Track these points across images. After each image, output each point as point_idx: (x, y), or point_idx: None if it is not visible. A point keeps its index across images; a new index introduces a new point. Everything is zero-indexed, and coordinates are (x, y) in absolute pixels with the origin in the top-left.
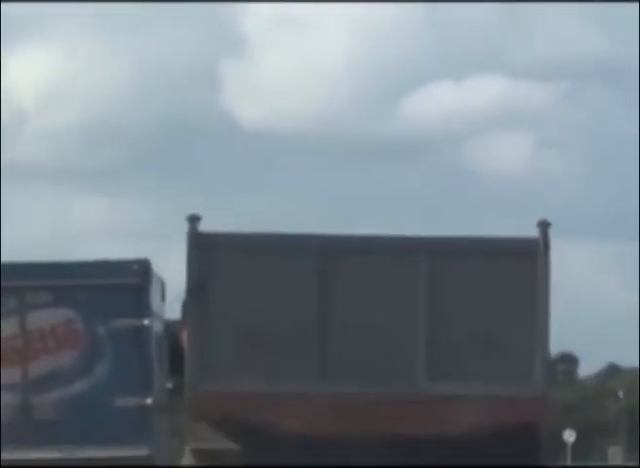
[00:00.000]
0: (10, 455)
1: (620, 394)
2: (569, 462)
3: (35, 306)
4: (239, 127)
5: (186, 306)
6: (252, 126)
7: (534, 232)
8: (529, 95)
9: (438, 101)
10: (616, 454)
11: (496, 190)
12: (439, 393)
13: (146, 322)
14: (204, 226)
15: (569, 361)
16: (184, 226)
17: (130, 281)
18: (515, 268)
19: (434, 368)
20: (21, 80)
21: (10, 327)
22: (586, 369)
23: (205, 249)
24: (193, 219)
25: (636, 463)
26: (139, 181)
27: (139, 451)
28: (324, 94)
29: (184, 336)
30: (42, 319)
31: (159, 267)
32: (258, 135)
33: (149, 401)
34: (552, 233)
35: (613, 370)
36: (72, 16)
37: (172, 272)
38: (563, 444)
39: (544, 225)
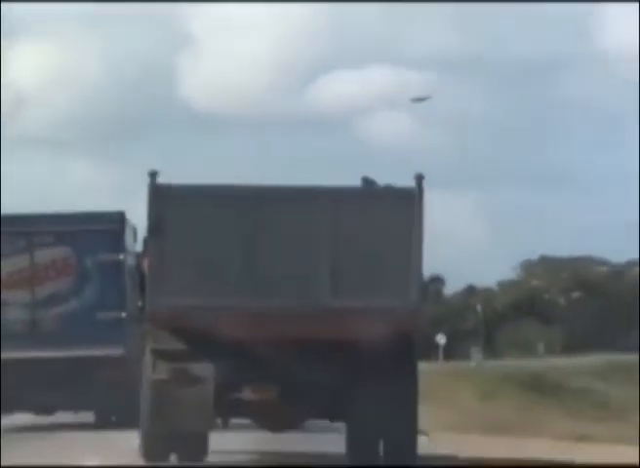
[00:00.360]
0: (20, 355)
1: (479, 308)
2: (441, 358)
3: (41, 246)
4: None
5: (146, 242)
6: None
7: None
8: (410, 81)
9: (341, 86)
10: (476, 352)
11: (384, 155)
12: (339, 306)
13: (121, 257)
14: (161, 180)
15: (438, 282)
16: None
17: (110, 227)
18: (397, 209)
19: (336, 287)
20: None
21: (22, 261)
22: (451, 288)
23: (160, 197)
24: (153, 175)
25: (487, 358)
26: (122, 150)
27: (116, 351)
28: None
29: (145, 264)
30: (46, 255)
31: (132, 216)
32: (206, 114)
33: (124, 314)
34: (427, 185)
35: (471, 290)
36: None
37: (142, 219)
38: (436, 345)
39: (419, 178)
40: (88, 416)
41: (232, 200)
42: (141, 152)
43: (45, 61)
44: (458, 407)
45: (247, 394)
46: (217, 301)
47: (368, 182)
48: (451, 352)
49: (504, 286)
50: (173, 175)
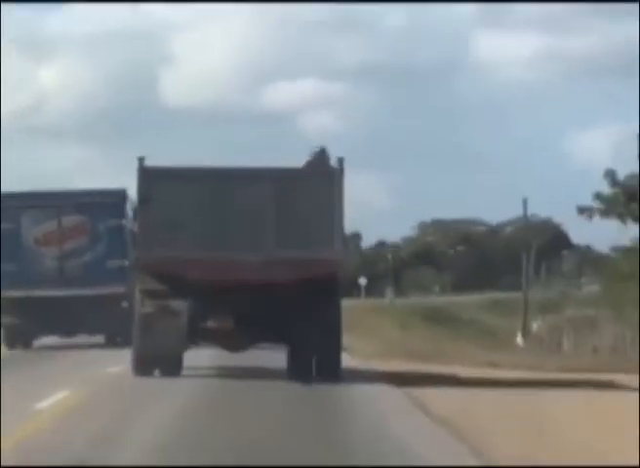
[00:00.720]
0: (51, 293)
1: (389, 257)
2: (363, 296)
3: (65, 214)
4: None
5: (137, 211)
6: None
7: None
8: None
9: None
10: (389, 292)
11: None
12: (281, 257)
13: (123, 222)
14: (147, 163)
15: (357, 237)
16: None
17: (115, 200)
18: (324, 183)
19: (278, 242)
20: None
21: (52, 225)
22: (367, 243)
23: (146, 176)
24: (141, 159)
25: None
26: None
27: (120, 289)
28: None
29: (137, 227)
30: (69, 221)
31: (132, 192)
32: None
33: (126, 263)
34: (351, 165)
35: (381, 244)
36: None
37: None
38: (359, 286)
39: (340, 160)
40: (99, 338)
41: (201, 178)
42: (132, 142)
43: (60, 70)
44: (381, 336)
45: (211, 324)
46: (189, 254)
47: (322, 151)
48: (369, 291)
49: (407, 241)
50: (155, 160)
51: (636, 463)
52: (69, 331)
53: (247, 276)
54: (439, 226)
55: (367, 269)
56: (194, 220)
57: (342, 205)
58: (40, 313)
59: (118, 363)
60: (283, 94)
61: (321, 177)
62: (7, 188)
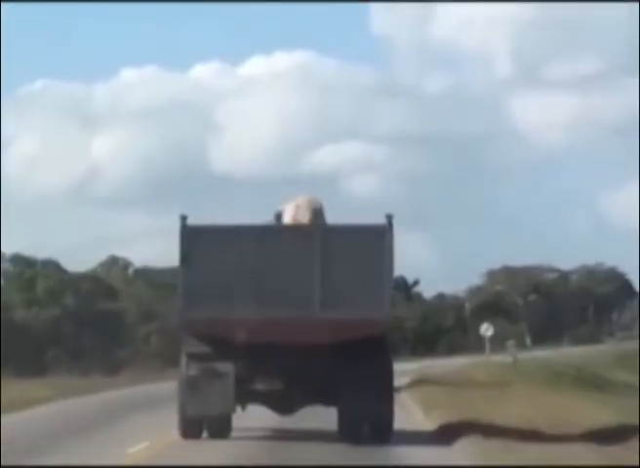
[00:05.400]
0: None
1: (467, 305)
2: (488, 351)
3: None
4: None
5: (179, 270)
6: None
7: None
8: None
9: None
10: (512, 347)
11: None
12: (327, 317)
13: None
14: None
15: (417, 284)
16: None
17: None
18: (374, 239)
19: (325, 300)
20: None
21: None
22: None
23: (189, 234)
24: (183, 217)
25: None
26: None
27: None
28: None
29: (179, 286)
30: None
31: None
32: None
33: None
34: (407, 225)
35: (441, 296)
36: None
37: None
38: (482, 337)
39: (389, 217)
40: None
41: (244, 235)
42: (177, 204)
43: (114, 140)
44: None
45: (258, 385)
46: (233, 314)
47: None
48: (441, 347)
49: (471, 292)
50: (197, 219)
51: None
52: None
53: (293, 337)
54: (508, 274)
55: (430, 323)
56: (238, 279)
57: (392, 263)
58: None
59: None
60: (327, 157)
61: (370, 234)
62: (65, 255)
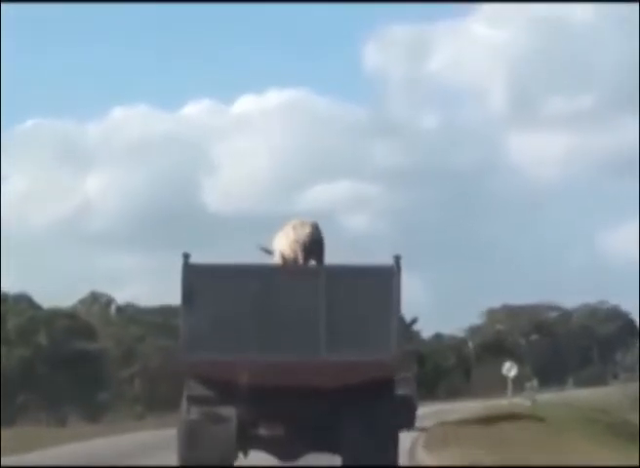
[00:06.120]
0: None
1: (470, 344)
2: (510, 393)
3: None
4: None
5: (181, 308)
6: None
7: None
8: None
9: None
10: (531, 388)
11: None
12: (332, 360)
13: None
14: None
15: (417, 321)
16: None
17: None
18: (382, 281)
19: (330, 343)
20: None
21: None
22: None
23: (191, 273)
24: (186, 256)
25: None
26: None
27: None
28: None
29: (180, 327)
30: None
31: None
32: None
33: None
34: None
35: (439, 336)
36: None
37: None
38: (505, 377)
39: (397, 257)
40: None
41: (247, 275)
42: (167, 242)
43: (105, 177)
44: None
45: (261, 431)
46: (236, 356)
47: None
48: (440, 389)
49: (471, 331)
50: (198, 256)
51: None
52: None
53: (298, 381)
54: (509, 312)
55: (429, 364)
56: (241, 320)
57: (400, 304)
58: None
59: None
60: (320, 196)
61: (378, 276)
62: (61, 292)
